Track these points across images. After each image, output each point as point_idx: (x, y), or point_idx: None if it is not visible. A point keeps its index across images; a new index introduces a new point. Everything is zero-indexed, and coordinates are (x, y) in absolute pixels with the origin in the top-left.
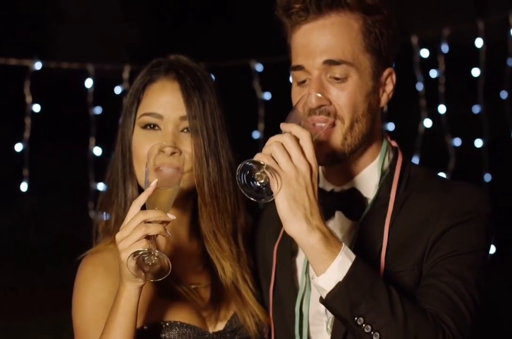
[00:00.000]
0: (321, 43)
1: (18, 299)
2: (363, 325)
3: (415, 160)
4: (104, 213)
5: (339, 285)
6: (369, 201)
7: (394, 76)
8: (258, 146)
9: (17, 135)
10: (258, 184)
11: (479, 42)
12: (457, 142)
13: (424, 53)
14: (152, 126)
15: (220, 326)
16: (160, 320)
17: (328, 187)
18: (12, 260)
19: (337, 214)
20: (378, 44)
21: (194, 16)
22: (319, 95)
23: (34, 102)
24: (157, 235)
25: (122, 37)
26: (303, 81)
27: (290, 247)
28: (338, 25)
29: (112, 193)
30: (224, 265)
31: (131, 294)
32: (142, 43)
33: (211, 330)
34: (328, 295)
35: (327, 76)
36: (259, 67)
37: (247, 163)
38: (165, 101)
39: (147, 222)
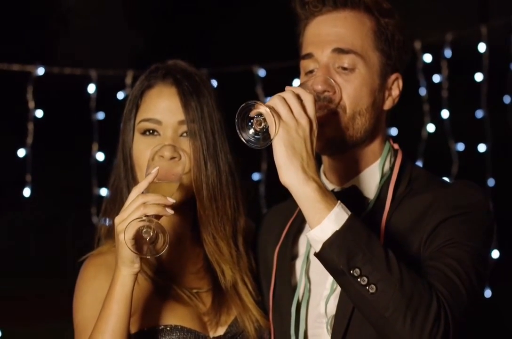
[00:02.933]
0: (332, 33)
1: (22, 305)
2: (359, 277)
3: (418, 165)
4: (107, 219)
5: (337, 234)
6: (369, 201)
7: (400, 82)
8: (262, 151)
9: (19, 140)
10: (255, 130)
11: (482, 47)
12: (460, 146)
13: (427, 58)
14: (151, 132)
15: (221, 331)
16: (162, 323)
17: (329, 187)
18: (15, 266)
19: None
20: (388, 46)
21: (197, 21)
22: (327, 77)
23: (36, 107)
24: (158, 217)
25: (125, 43)
26: (311, 71)
27: (290, 251)
28: (351, 19)
29: (116, 199)
30: (224, 268)
31: (126, 280)
32: (145, 49)
33: (211, 334)
34: (325, 243)
35: (335, 66)
36: (262, 73)
37: (249, 103)
38: (163, 106)
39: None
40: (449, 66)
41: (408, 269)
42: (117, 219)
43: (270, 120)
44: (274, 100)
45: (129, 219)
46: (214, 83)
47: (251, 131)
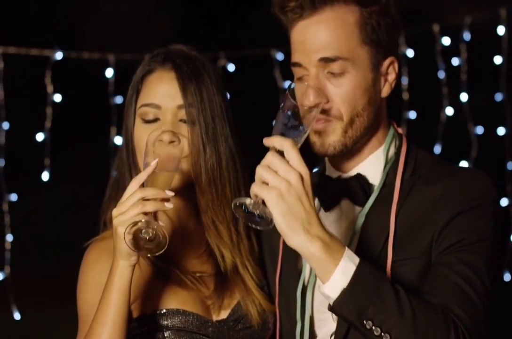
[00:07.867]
0: (316, 40)
1: (39, 289)
2: (372, 328)
3: (437, 148)
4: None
5: (344, 292)
6: (375, 188)
7: (396, 65)
8: None
9: (38, 125)
10: (256, 213)
11: (501, 30)
12: (480, 130)
13: (446, 41)
14: (151, 120)
15: (224, 315)
16: (164, 307)
17: (335, 174)
18: (33, 250)
19: (344, 201)
20: (376, 35)
21: (215, 5)
22: (317, 90)
23: (55, 92)
24: (156, 212)
25: (147, 27)
26: (302, 77)
27: None
28: (333, 20)
29: (119, 182)
30: (223, 252)
31: (124, 272)
32: (165, 34)
33: (214, 318)
34: (334, 302)
35: (325, 72)
36: (279, 56)
37: (236, 204)
38: (162, 91)
39: (145, 200)
40: (468, 49)
41: (420, 302)
42: (115, 212)
43: (266, 208)
44: (259, 172)
45: (128, 215)
46: (232, 66)
47: (255, 217)
